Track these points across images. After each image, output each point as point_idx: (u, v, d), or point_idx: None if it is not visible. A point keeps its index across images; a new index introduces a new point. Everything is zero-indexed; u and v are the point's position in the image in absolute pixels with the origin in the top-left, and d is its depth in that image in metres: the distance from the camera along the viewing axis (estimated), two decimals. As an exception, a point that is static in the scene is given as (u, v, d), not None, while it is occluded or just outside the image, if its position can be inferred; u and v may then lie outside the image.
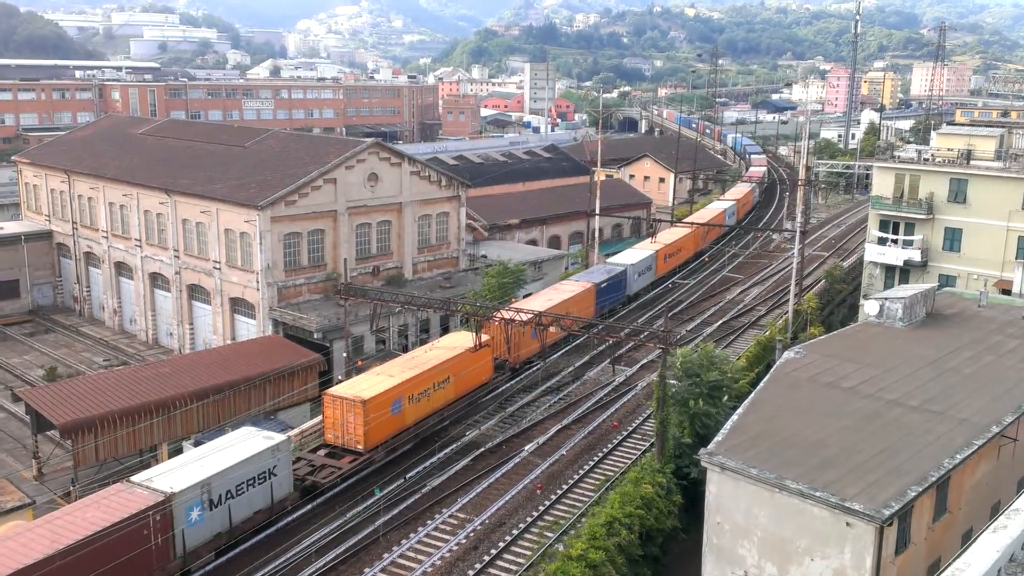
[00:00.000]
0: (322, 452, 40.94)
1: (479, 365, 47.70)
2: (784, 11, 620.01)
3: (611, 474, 40.88)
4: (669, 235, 77.53)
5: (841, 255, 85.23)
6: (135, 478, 32.95)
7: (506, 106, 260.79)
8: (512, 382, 52.00)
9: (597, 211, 78.06)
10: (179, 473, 33.29)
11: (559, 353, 57.14)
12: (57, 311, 77.20)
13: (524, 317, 44.86)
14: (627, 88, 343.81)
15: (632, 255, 69.50)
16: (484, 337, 46.89)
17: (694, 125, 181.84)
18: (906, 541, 28.23)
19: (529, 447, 43.72)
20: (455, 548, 35.02)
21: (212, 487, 33.17)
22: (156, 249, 66.81)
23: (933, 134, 72.27)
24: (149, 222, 67.18)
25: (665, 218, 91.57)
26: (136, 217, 68.02)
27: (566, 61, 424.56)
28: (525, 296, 61.79)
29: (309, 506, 38.32)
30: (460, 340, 48.05)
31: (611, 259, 69.58)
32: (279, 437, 37.25)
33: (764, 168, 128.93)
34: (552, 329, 46.36)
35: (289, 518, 37.27)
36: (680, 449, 40.18)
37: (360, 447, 40.21)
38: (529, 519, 37.00)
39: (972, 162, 59.57)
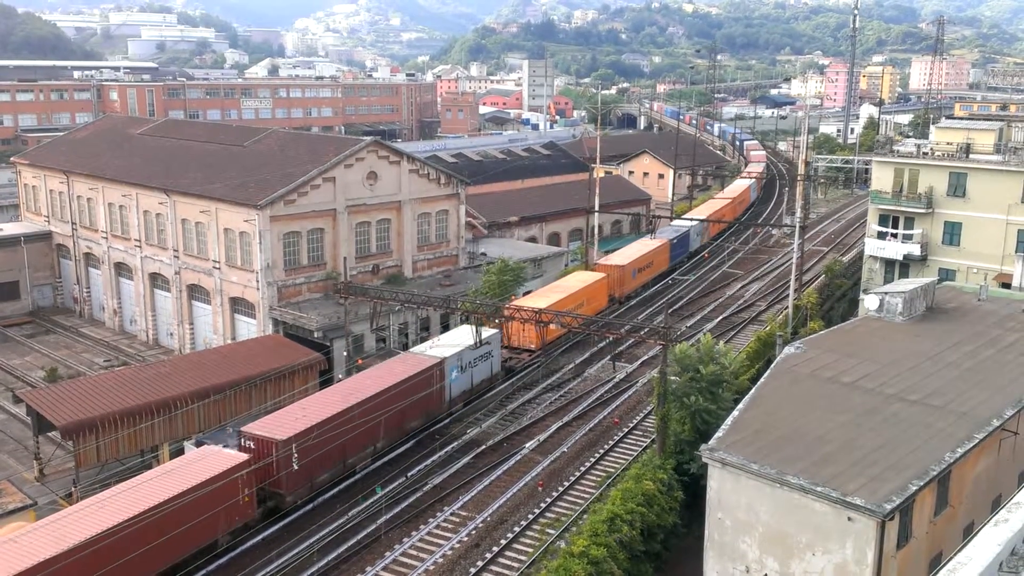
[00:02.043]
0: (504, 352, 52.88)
1: (600, 295, 63.01)
2: (782, 6, 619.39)
3: (612, 471, 40.92)
4: (712, 205, 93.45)
5: (841, 250, 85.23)
6: (414, 350, 48.78)
7: (505, 103, 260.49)
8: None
9: (596, 208, 78.05)
10: (439, 349, 47.33)
11: (559, 351, 57.21)
12: (57, 312, 77.20)
13: (624, 263, 66.60)
14: (626, 84, 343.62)
15: (685, 223, 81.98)
16: (601, 275, 63.56)
17: (682, 117, 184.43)
18: (907, 535, 28.25)
19: (530, 444, 43.76)
20: (457, 546, 35.07)
21: (463, 358, 47.42)
22: (156, 249, 66.81)
23: (932, 128, 72.19)
24: (148, 222, 67.17)
25: (664, 214, 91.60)
26: (135, 217, 68.01)
27: (564, 58, 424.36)
28: (525, 293, 61.82)
29: (310, 506, 38.39)
30: (587, 276, 63.88)
31: (675, 222, 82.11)
32: (494, 330, 50.66)
33: (762, 152, 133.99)
34: (639, 274, 68.31)
35: (290, 518, 37.33)
36: (681, 445, 40.23)
37: (533, 346, 54.11)
38: (531, 516, 37.04)
39: (971, 156, 59.51)
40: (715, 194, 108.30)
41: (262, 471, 36.07)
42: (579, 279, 62.65)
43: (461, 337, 49.29)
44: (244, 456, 35.65)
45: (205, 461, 35.33)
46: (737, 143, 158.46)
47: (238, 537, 35.32)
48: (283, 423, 38.01)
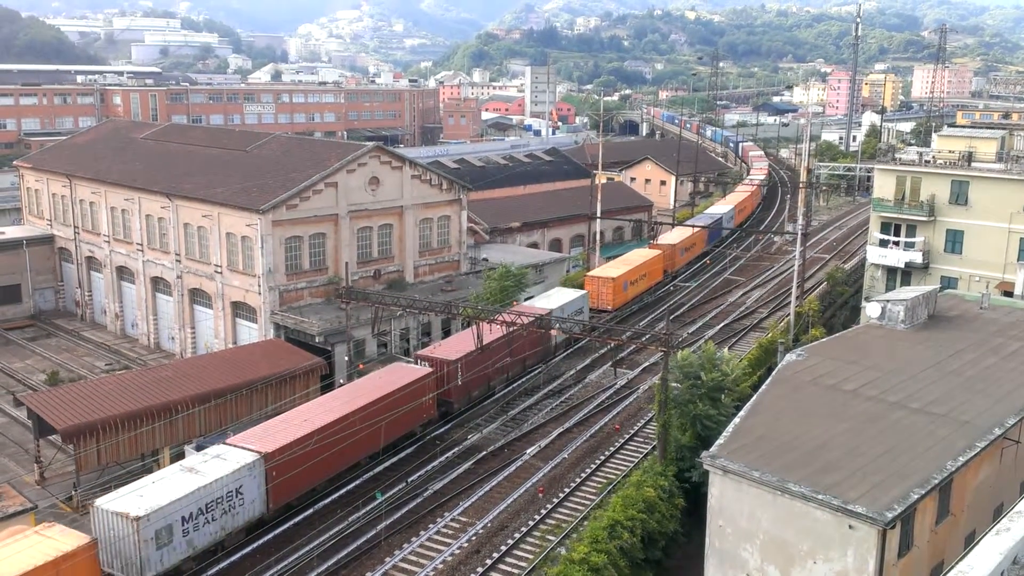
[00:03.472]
0: None
1: (658, 268, 72.91)
2: (785, 14, 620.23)
3: (613, 477, 40.86)
4: (737, 195, 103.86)
5: (843, 257, 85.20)
6: (529, 302, 58.79)
7: (507, 109, 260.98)
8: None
9: (598, 214, 78.06)
10: (548, 302, 57.97)
11: (560, 357, 57.17)
12: (59, 315, 77.22)
13: (675, 242, 77.27)
14: (628, 91, 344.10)
15: (721, 208, 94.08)
16: (658, 252, 73.38)
17: (676, 121, 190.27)
18: (909, 544, 28.17)
19: (531, 450, 43.72)
20: (457, 552, 35.01)
21: (564, 310, 56.79)
22: (158, 253, 66.86)
23: (934, 136, 72.26)
24: (151, 226, 67.23)
25: (666, 221, 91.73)
26: (138, 221, 68.08)
27: (567, 64, 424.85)
28: (527, 300, 61.79)
29: (311, 510, 38.34)
30: (647, 253, 73.10)
31: (708, 210, 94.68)
32: (583, 291, 62.67)
33: (759, 152, 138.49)
34: (686, 253, 79.95)
35: (290, 522, 37.28)
36: (682, 452, 40.17)
37: (609, 307, 64.14)
38: (531, 523, 36.99)
39: (973, 164, 59.51)
40: (735, 188, 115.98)
41: (438, 381, 46.70)
42: (641, 255, 72.43)
43: (562, 297, 60.30)
44: (429, 369, 46.69)
45: (401, 372, 46.40)
46: (731, 145, 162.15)
47: (427, 429, 46.64)
48: (451, 348, 49.37)
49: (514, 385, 53.15)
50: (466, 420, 48.08)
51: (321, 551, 34.86)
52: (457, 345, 50.14)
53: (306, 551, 34.74)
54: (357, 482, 40.78)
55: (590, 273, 66.34)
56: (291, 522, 37.25)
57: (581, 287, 65.08)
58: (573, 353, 58.17)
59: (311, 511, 38.33)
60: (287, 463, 36.81)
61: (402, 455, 43.65)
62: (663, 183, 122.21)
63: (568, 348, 58.93)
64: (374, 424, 41.06)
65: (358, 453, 41.43)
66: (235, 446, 37.14)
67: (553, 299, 59.47)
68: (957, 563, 16.45)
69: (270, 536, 36.25)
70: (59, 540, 29.51)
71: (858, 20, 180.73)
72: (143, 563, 31.28)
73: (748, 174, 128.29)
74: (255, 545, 35.52)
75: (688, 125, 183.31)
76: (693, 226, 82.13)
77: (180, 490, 33.16)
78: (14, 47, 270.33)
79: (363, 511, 37.82)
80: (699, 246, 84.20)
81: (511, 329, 47.35)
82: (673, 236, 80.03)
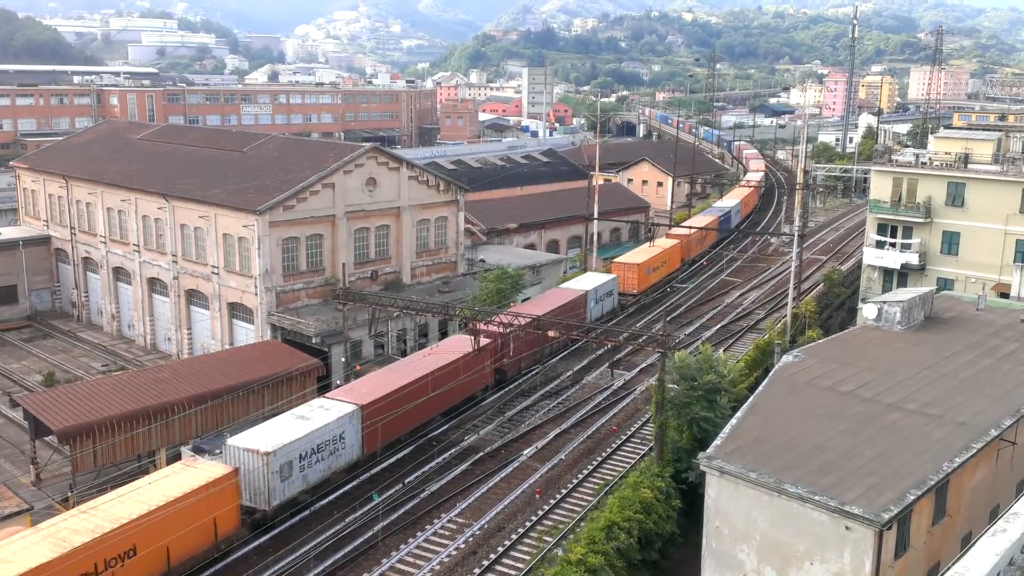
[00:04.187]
0: None
1: (676, 256, 77.46)
2: (781, 15, 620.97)
3: (610, 478, 40.86)
4: (740, 191, 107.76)
5: (839, 259, 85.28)
6: (565, 284, 64.97)
7: (504, 110, 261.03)
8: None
9: (595, 215, 78.11)
10: (583, 283, 63.70)
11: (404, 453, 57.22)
12: (55, 316, 77.12)
13: (689, 233, 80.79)
14: (625, 92, 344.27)
15: (729, 202, 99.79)
16: (676, 241, 78.64)
17: (670, 122, 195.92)
18: (905, 545, 28.21)
19: (528, 451, 43.71)
20: (454, 553, 35.00)
21: (598, 291, 62.78)
22: (154, 254, 66.79)
23: (931, 138, 72.32)
24: (147, 227, 67.16)
25: (663, 222, 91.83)
26: (134, 222, 68.00)
27: (564, 66, 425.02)
28: (523, 301, 61.79)
29: (309, 510, 38.31)
30: (666, 243, 77.34)
31: (717, 203, 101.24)
32: (613, 275, 66.98)
33: (753, 150, 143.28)
34: (699, 244, 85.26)
35: (289, 522, 37.25)
36: (679, 453, 40.18)
37: (635, 291, 68.48)
38: (528, 523, 36.98)
39: (970, 166, 59.59)
40: (738, 185, 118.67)
41: (494, 351, 50.86)
42: (661, 244, 77.14)
43: (596, 280, 64.80)
44: (488, 340, 49.06)
45: (463, 343, 49.13)
46: (724, 144, 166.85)
47: (486, 392, 51.30)
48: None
49: (562, 354, 57.71)
50: (462, 423, 48.08)
51: (318, 552, 34.82)
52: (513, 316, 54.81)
53: (303, 552, 34.70)
54: (354, 483, 40.78)
55: (616, 260, 71.89)
56: (296, 518, 37.22)
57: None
58: (571, 354, 58.15)
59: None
60: (378, 415, 41.51)
61: (400, 455, 43.62)
62: (660, 184, 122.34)
63: (602, 319, 63.49)
64: (445, 386, 46.11)
65: (432, 411, 46.32)
66: (335, 399, 41.98)
67: (587, 281, 64.45)
68: (953, 564, 16.47)
69: (264, 540, 36.22)
70: (207, 470, 35.30)
71: (855, 22, 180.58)
72: (270, 492, 36.19)
73: (744, 175, 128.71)
74: (247, 549, 35.52)
75: (681, 125, 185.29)
76: (698, 227, 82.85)
77: (297, 432, 37.95)
78: (11, 47, 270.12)
79: (360, 512, 37.80)
80: (711, 236, 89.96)
81: (555, 307, 55.45)
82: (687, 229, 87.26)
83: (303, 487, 38.06)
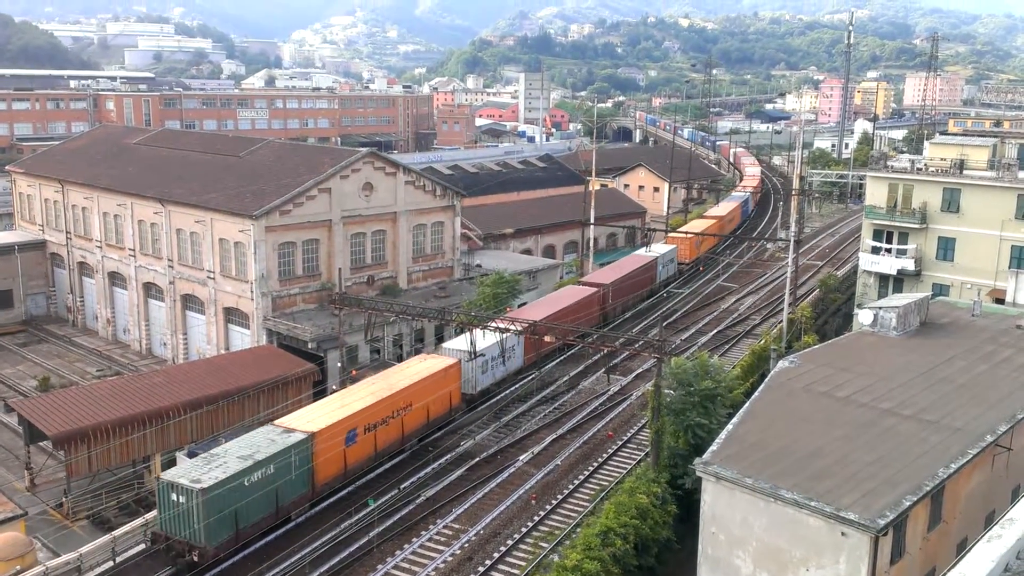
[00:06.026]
0: None
1: (714, 233, 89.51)
2: (777, 22, 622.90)
3: (606, 484, 40.80)
4: (748, 184, 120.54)
5: (835, 264, 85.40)
6: (639, 252, 77.23)
7: (501, 116, 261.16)
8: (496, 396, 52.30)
9: (592, 221, 78.17)
10: (653, 252, 75.50)
11: (553, 363, 57.20)
12: (50, 321, 76.97)
13: (722, 216, 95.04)
14: (622, 98, 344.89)
15: (742, 193, 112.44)
16: (714, 219, 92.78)
17: (658, 124, 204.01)
18: (901, 551, 28.20)
19: (524, 457, 43.64)
20: (450, 559, 34.92)
21: (665, 257, 76.11)
22: (150, 259, 66.70)
23: (926, 144, 72.54)
24: (143, 232, 67.08)
25: (659, 227, 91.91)
26: (130, 227, 67.92)
27: (561, 71, 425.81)
28: (520, 305, 61.78)
29: (306, 516, 38.21)
30: (706, 222, 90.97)
31: (734, 193, 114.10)
32: (673, 246, 79.91)
33: (737, 147, 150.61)
34: (728, 225, 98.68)
35: (283, 529, 37.14)
36: (675, 459, 40.14)
37: (687, 260, 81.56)
38: (524, 529, 36.90)
39: (965, 172, 59.75)
40: (741, 183, 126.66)
41: (601, 298, 62.90)
42: (702, 223, 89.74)
43: (663, 249, 77.21)
44: (596, 288, 62.85)
45: (578, 290, 62.91)
46: (707, 144, 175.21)
47: (594, 325, 59.10)
48: (604, 276, 67.23)
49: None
50: (461, 426, 48.03)
51: (313, 558, 34.71)
52: (608, 274, 68.26)
53: (298, 558, 34.60)
54: (349, 488, 40.67)
55: (671, 234, 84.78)
56: (292, 524, 37.12)
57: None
58: (566, 360, 58.13)
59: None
60: (534, 333, 49.25)
61: (396, 461, 43.54)
62: (656, 190, 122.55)
63: (667, 283, 76.49)
64: (574, 318, 55.79)
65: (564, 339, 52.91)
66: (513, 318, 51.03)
67: (656, 250, 77.01)
68: (949, 570, 16.46)
69: (263, 543, 36.11)
70: (442, 360, 48.12)
71: (850, 28, 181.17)
72: (476, 380, 49.49)
73: (738, 179, 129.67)
74: (246, 553, 35.44)
75: (668, 127, 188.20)
76: (719, 217, 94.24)
77: (489, 341, 49.73)
78: (7, 52, 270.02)
79: (355, 518, 37.70)
80: (736, 219, 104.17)
81: (635, 268, 70.57)
82: (720, 210, 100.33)
83: (492, 381, 51.00)
